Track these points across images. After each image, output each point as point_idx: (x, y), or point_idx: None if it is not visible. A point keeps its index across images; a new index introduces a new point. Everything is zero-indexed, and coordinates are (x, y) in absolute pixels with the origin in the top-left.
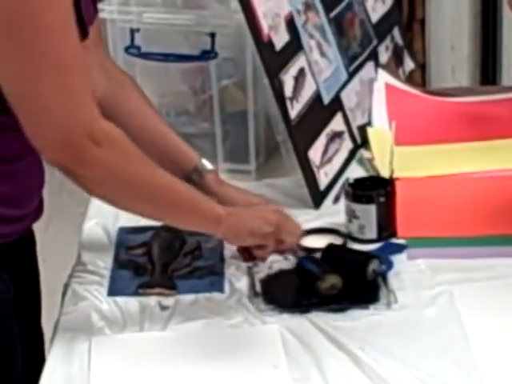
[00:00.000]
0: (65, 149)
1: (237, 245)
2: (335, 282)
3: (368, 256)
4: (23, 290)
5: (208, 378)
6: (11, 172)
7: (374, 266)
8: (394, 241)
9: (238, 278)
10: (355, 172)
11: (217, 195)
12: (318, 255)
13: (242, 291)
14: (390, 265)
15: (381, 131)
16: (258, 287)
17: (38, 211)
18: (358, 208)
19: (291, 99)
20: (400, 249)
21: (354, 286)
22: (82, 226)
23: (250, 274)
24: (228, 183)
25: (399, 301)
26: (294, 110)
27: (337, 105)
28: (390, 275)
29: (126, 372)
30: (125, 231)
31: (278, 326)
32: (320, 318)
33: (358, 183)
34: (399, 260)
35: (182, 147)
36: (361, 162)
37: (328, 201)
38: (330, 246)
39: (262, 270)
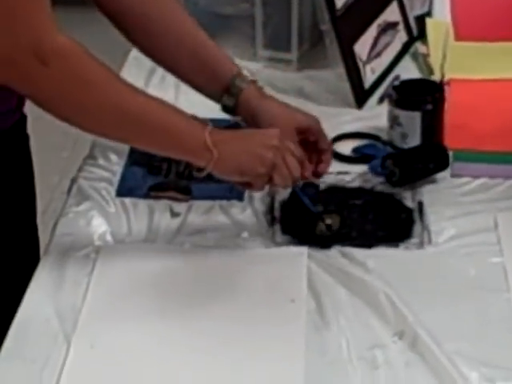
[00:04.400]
0: (7, 66)
1: (223, 178)
2: (331, 222)
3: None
4: (16, 186)
5: (214, 306)
6: None
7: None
8: None
9: None
10: (407, 69)
11: (256, 109)
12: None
13: (262, 203)
14: None
15: (441, 23)
16: (278, 211)
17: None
18: (402, 114)
19: None
20: None
21: (385, 220)
22: None
23: (271, 193)
24: (270, 96)
25: (434, 237)
26: None
27: None
28: (428, 202)
29: (126, 287)
30: None
31: (306, 249)
32: (337, 252)
33: (405, 86)
34: (442, 178)
35: (220, 56)
36: (415, 57)
37: (373, 100)
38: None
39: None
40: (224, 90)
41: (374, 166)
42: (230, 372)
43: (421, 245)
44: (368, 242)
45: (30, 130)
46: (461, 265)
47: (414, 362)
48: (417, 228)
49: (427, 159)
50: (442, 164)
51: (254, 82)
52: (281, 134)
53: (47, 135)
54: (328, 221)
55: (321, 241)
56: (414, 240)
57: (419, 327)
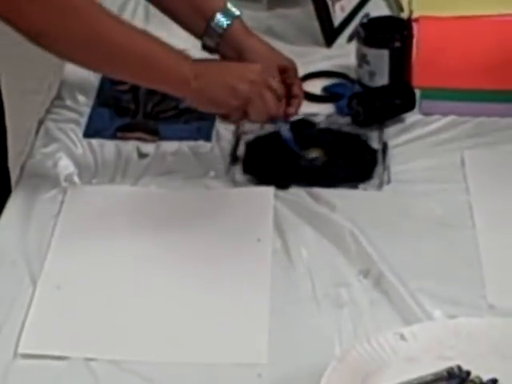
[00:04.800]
0: None
1: (199, 109)
2: (317, 155)
3: None
4: None
5: (180, 246)
6: None
7: None
8: None
9: (227, 127)
10: (377, 7)
11: (241, 47)
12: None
13: (229, 144)
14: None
15: None
16: (242, 151)
17: None
18: (370, 52)
19: None
20: None
21: (346, 160)
22: None
23: (236, 134)
24: (255, 35)
25: (402, 175)
26: None
27: None
28: (395, 141)
29: (93, 229)
30: None
31: (272, 189)
32: (303, 191)
33: (373, 23)
34: (410, 117)
35: None
36: None
37: (342, 39)
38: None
39: (253, 130)
40: (208, 26)
41: (340, 106)
42: (196, 309)
43: (379, 186)
44: (329, 183)
45: (5, 75)
46: (427, 203)
47: (379, 300)
48: (378, 169)
49: (392, 98)
50: (408, 102)
51: (238, 17)
52: (263, 69)
53: (23, 79)
54: (312, 155)
55: (303, 178)
56: (374, 181)
57: (384, 265)
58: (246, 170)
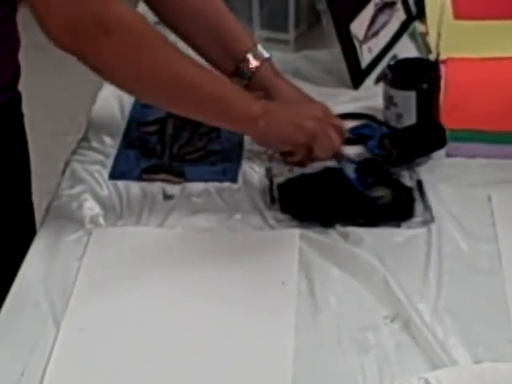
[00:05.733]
0: (73, 37)
1: (265, 147)
2: (383, 193)
3: None
4: (10, 163)
5: (204, 288)
6: None
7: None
8: None
9: (254, 169)
10: (405, 49)
11: (268, 88)
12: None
13: (256, 186)
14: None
15: (440, 1)
16: (276, 193)
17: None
18: (397, 94)
19: None
20: None
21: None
22: (96, 95)
23: (269, 176)
24: (284, 77)
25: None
26: None
27: None
28: (424, 181)
29: (117, 271)
30: (140, 105)
31: (298, 230)
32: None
33: (400, 65)
34: (438, 157)
35: (236, 28)
36: (413, 36)
37: (370, 80)
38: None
39: (282, 173)
40: (238, 66)
41: (371, 146)
42: (220, 353)
43: (424, 224)
44: (370, 222)
45: (36, 115)
46: (454, 246)
47: (405, 343)
48: (418, 207)
49: (424, 138)
50: (440, 142)
51: (268, 59)
52: (327, 108)
53: (53, 120)
54: (377, 193)
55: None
56: (417, 219)
57: (411, 309)
58: (284, 210)
